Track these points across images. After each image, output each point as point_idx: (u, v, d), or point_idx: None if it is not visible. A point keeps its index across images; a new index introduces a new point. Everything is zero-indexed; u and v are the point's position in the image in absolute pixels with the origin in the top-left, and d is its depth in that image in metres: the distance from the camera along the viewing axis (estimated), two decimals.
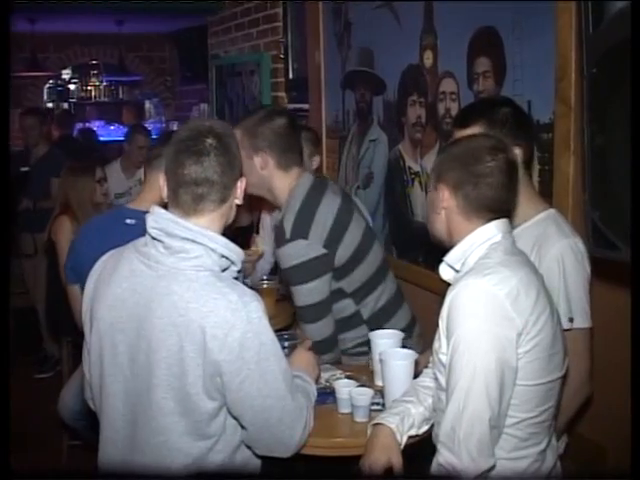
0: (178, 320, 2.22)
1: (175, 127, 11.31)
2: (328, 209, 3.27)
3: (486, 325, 2.22)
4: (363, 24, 4.71)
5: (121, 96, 12.66)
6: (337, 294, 3.35)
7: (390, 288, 3.49)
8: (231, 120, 7.13)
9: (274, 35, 6.24)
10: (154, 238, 2.31)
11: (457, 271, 2.44)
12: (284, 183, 3.32)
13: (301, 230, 3.18)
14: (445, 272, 2.50)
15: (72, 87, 12.62)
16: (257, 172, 3.25)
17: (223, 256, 2.32)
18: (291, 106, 6.04)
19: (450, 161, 2.42)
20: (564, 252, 2.68)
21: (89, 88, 12.59)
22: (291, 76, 6.07)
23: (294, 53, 6.02)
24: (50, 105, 12.34)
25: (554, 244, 2.69)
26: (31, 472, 5.16)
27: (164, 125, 12.06)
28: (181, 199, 2.32)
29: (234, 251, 2.36)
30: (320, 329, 3.28)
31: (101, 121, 12.15)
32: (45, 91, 12.28)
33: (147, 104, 12.73)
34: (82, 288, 2.78)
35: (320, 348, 3.20)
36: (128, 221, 3.50)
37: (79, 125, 11.33)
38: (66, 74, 12.56)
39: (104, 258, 2.54)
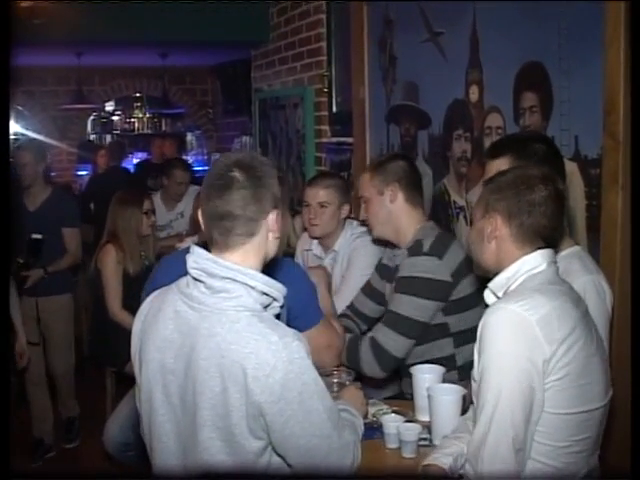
0: (221, 361, 2.22)
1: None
2: (459, 248, 3.44)
3: (513, 348, 2.26)
4: (408, 58, 4.74)
5: (164, 128, 12.76)
6: (441, 330, 3.44)
7: None
8: (274, 153, 7.19)
9: (318, 69, 6.27)
10: (195, 279, 2.32)
11: (499, 298, 2.47)
12: (411, 221, 3.55)
13: (438, 250, 3.39)
14: (489, 298, 2.54)
15: (115, 119, 12.73)
16: (386, 207, 3.54)
17: (264, 293, 2.32)
18: (334, 139, 6.07)
19: (502, 190, 2.46)
20: (587, 288, 2.71)
21: (132, 120, 12.72)
22: (334, 110, 6.09)
23: (338, 87, 6.05)
24: (92, 137, 12.51)
25: (577, 279, 2.69)
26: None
27: (206, 157, 12.17)
28: (213, 234, 2.33)
29: (275, 287, 2.35)
30: (400, 343, 3.36)
31: (144, 153, 12.25)
32: (89, 123, 12.45)
33: (189, 136, 12.86)
34: None
35: (383, 360, 3.33)
36: None
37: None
38: (110, 106, 12.71)
39: (149, 299, 2.56)
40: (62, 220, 5.90)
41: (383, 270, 3.82)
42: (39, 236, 5.70)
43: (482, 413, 2.29)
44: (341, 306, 3.95)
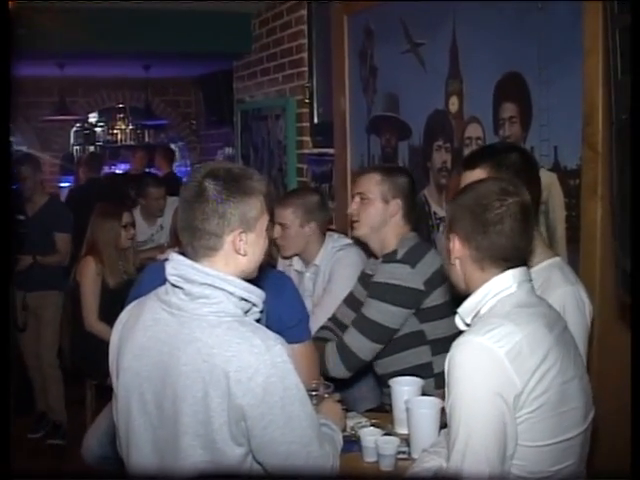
0: (202, 366, 2.20)
1: None
2: (434, 258, 3.47)
3: (482, 384, 2.17)
4: (389, 69, 4.73)
5: (147, 140, 12.70)
6: (417, 337, 3.46)
7: None
8: (256, 164, 7.17)
9: (300, 80, 6.26)
10: (174, 285, 2.31)
11: (468, 324, 2.40)
12: (398, 235, 3.58)
13: (411, 259, 3.43)
14: (460, 324, 2.46)
15: (98, 130, 12.69)
16: (385, 216, 3.58)
17: (243, 299, 2.31)
18: (315, 151, 6.06)
19: (459, 210, 2.37)
20: (566, 298, 2.69)
21: (115, 132, 12.66)
22: (316, 120, 6.07)
23: (319, 97, 6.03)
24: (76, 149, 12.43)
25: (556, 289, 2.69)
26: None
27: (189, 169, 12.12)
28: (183, 243, 2.35)
29: (254, 293, 2.34)
30: (366, 346, 3.42)
31: (127, 165, 12.18)
32: (72, 135, 12.39)
33: (172, 148, 12.80)
34: None
35: (347, 361, 3.41)
36: None
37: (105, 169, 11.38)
38: (92, 118, 12.66)
39: (128, 308, 2.55)
40: (55, 225, 6.35)
41: (365, 279, 3.80)
42: (22, 217, 6.26)
43: (454, 449, 2.20)
44: (323, 318, 3.92)
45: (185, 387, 2.23)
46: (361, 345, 3.41)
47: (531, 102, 3.50)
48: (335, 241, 4.37)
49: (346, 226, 5.15)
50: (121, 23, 6.97)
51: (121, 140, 12.69)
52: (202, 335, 2.23)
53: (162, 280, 2.41)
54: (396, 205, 3.57)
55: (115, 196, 8.86)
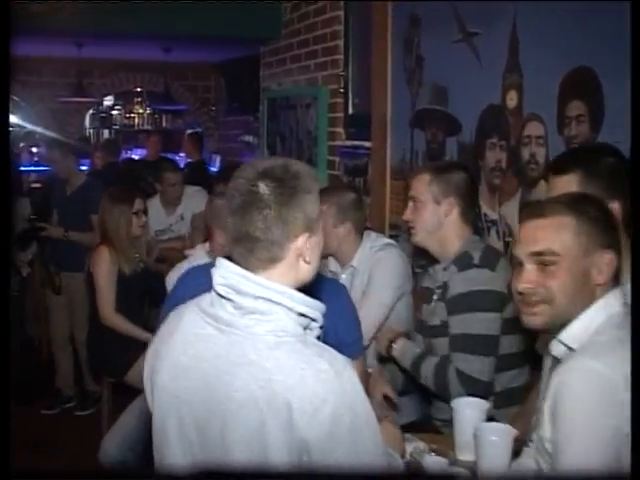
0: (259, 394, 1.90)
1: (217, 160, 11.13)
2: (507, 263, 3.22)
3: (598, 416, 1.96)
4: (437, 59, 4.44)
5: (164, 125, 12.43)
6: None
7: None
8: (283, 155, 6.88)
9: (333, 68, 5.98)
10: (221, 296, 2.02)
11: (571, 348, 2.17)
12: (459, 237, 3.32)
13: (488, 262, 3.20)
14: (557, 348, 2.23)
15: (115, 114, 12.42)
16: (439, 218, 3.31)
17: (302, 314, 2.01)
18: (349, 143, 5.78)
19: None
20: None
21: (132, 115, 12.39)
22: (351, 111, 5.80)
23: (355, 87, 5.76)
24: (91, 132, 12.18)
25: None
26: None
27: (210, 156, 11.87)
28: (234, 253, 2.05)
29: (314, 307, 2.04)
30: (482, 365, 3.11)
31: (143, 150, 11.91)
32: (87, 118, 12.13)
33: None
34: None
35: (472, 389, 3.05)
36: None
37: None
38: (108, 101, 12.38)
39: (168, 318, 2.25)
40: (90, 207, 6.12)
41: (423, 292, 3.54)
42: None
43: None
44: (365, 323, 3.63)
45: (237, 416, 1.94)
46: (480, 366, 3.10)
47: (603, 100, 3.21)
48: (373, 241, 4.08)
49: (383, 224, 4.90)
50: (143, 3, 6.67)
51: (138, 124, 12.42)
52: (259, 358, 1.94)
53: (199, 288, 2.18)
54: (449, 204, 3.30)
55: (133, 182, 8.67)
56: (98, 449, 4.68)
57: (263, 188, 1.96)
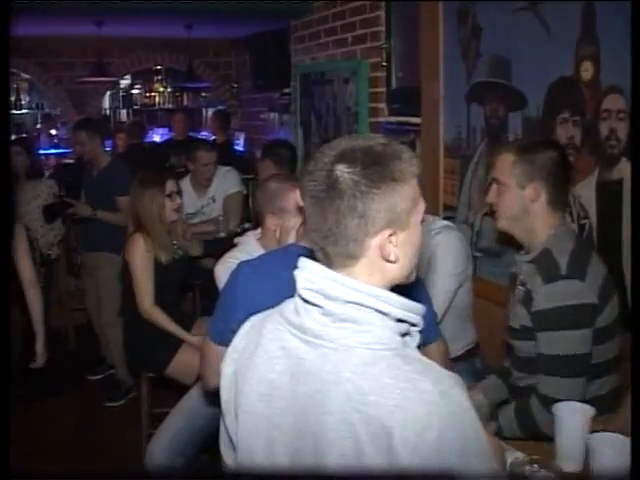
0: (354, 417, 1.64)
1: (242, 138, 10.87)
2: (597, 258, 2.94)
3: None
4: (497, 29, 4.14)
5: (185, 103, 12.13)
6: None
7: None
8: (318, 133, 6.61)
9: (374, 41, 5.69)
10: (307, 301, 1.76)
11: None
12: (547, 226, 2.97)
13: (577, 269, 2.84)
14: None
15: (135, 93, 12.12)
16: (523, 204, 2.97)
17: (400, 319, 1.75)
18: (393, 119, 5.50)
19: None
20: None
21: (153, 94, 12.09)
22: (394, 86, 5.51)
23: (398, 61, 5.47)
24: (107, 112, 11.91)
25: None
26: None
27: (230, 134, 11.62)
28: (314, 248, 1.80)
29: (414, 310, 1.77)
30: (574, 388, 2.82)
31: (164, 129, 11.65)
32: (107, 97, 11.86)
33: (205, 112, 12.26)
34: None
35: None
36: None
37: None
38: (126, 80, 12.08)
39: (245, 330, 2.00)
40: (116, 188, 6.17)
41: (510, 279, 3.26)
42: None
43: None
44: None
45: (331, 441, 1.67)
46: (568, 390, 2.79)
47: None
48: (430, 223, 3.82)
49: (436, 205, 4.64)
50: None
51: (159, 104, 12.12)
52: (353, 375, 1.67)
53: (262, 283, 2.15)
54: (534, 190, 2.94)
55: (160, 163, 8.45)
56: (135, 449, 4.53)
57: (338, 175, 1.68)
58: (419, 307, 1.79)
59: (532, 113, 3.90)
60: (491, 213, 3.20)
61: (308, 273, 1.78)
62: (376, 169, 1.69)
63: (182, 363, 4.74)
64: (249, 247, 3.76)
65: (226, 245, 4.27)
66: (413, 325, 1.79)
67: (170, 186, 4.93)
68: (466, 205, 4.47)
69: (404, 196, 1.72)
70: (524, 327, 2.98)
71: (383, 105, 5.64)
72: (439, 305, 3.55)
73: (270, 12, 7.22)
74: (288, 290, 2.32)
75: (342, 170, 1.68)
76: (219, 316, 2.87)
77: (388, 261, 1.76)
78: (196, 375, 4.49)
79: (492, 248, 4.23)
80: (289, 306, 1.85)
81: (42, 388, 6.07)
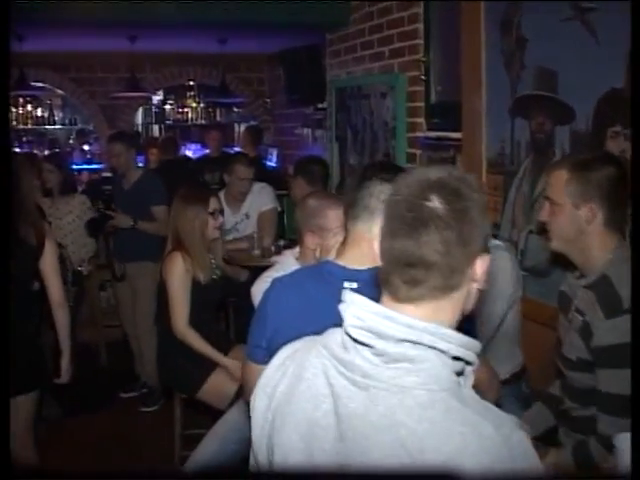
0: (408, 463, 1.50)
1: (274, 153, 10.78)
2: None
3: None
4: (543, 40, 3.99)
5: (218, 119, 12.05)
6: None
7: None
8: (354, 148, 6.49)
9: (412, 54, 5.57)
10: (357, 341, 1.62)
11: None
12: (604, 247, 2.79)
13: None
14: None
15: (168, 108, 12.06)
16: (579, 225, 2.79)
17: (456, 357, 1.61)
18: (432, 134, 5.36)
19: None
20: None
21: (185, 110, 12.02)
22: (433, 100, 5.38)
23: (437, 74, 5.34)
24: (139, 128, 11.85)
25: None
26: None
27: (262, 150, 11.53)
28: (391, 280, 1.65)
29: (471, 346, 1.64)
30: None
31: (197, 145, 11.58)
32: (140, 113, 11.81)
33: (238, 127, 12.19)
34: None
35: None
36: (347, 284, 2.55)
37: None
38: (159, 95, 12.03)
39: (280, 359, 1.85)
40: (151, 199, 6.33)
41: (561, 299, 3.10)
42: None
43: None
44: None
45: None
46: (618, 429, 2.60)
47: None
48: None
49: None
50: None
51: (191, 119, 12.05)
52: (407, 419, 1.53)
53: (294, 304, 2.17)
54: (590, 210, 2.76)
55: (195, 179, 8.40)
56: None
57: (437, 203, 1.59)
58: (477, 344, 1.66)
59: (581, 127, 3.74)
60: (540, 231, 3.05)
61: (356, 309, 1.64)
62: (470, 195, 1.63)
63: (215, 387, 4.64)
64: (287, 266, 3.63)
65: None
66: (468, 363, 1.65)
67: (213, 204, 4.84)
68: (510, 222, 4.31)
69: (486, 219, 1.68)
70: (581, 359, 2.81)
71: (422, 120, 5.51)
72: (487, 329, 3.40)
73: (306, 25, 7.11)
74: (319, 308, 2.23)
75: (441, 199, 1.60)
76: (252, 333, 2.78)
77: (476, 289, 1.68)
78: (229, 399, 4.39)
79: (538, 267, 4.07)
80: (335, 338, 1.71)
81: (74, 406, 6.00)
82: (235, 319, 6.67)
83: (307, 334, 1.90)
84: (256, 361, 2.68)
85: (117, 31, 8.19)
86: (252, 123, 11.43)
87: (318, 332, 1.86)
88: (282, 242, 6.49)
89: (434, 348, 1.57)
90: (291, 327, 2.42)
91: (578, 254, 2.86)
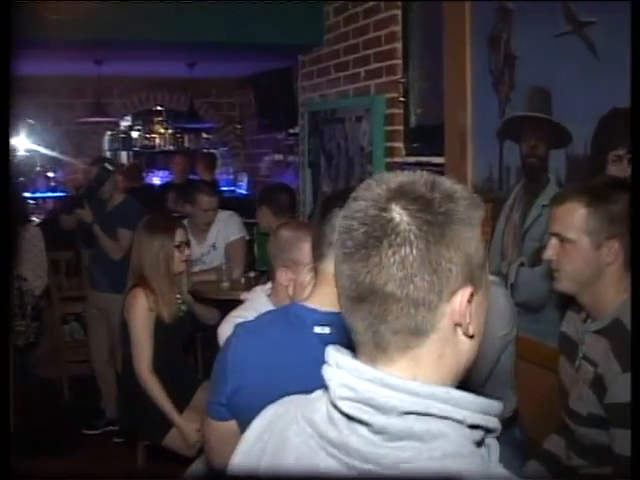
0: None
1: (244, 180, 10.56)
2: None
3: None
4: (535, 57, 3.68)
5: (187, 145, 11.71)
6: None
7: None
8: (328, 175, 6.17)
9: (390, 75, 5.26)
10: (349, 416, 1.26)
11: None
12: (619, 289, 2.44)
13: None
14: None
15: (135, 135, 11.70)
16: (597, 267, 2.44)
17: (476, 425, 1.26)
18: (412, 159, 5.05)
19: None
20: None
21: (153, 136, 11.66)
22: (413, 124, 5.07)
23: (417, 96, 5.04)
24: (106, 154, 11.49)
25: None
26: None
27: (232, 177, 11.22)
28: (353, 321, 1.29)
29: (492, 411, 1.29)
30: None
31: (165, 172, 11.24)
32: (106, 139, 11.45)
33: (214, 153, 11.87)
34: (243, 424, 2.03)
35: None
36: (319, 330, 2.23)
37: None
38: (126, 121, 11.68)
39: (254, 433, 1.49)
40: (122, 221, 6.08)
41: (564, 343, 2.78)
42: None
43: None
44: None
45: None
46: None
47: None
48: None
49: None
50: (168, 12, 5.99)
51: (159, 145, 11.70)
52: None
53: (260, 353, 2.04)
54: (612, 249, 2.43)
55: (161, 208, 8.10)
56: None
57: (400, 214, 1.22)
58: (498, 406, 1.31)
59: (578, 150, 3.43)
60: (533, 264, 2.70)
61: (346, 376, 1.27)
62: (448, 207, 1.24)
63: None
64: (258, 304, 3.29)
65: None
66: (489, 431, 1.30)
67: (180, 235, 4.50)
68: (499, 254, 3.98)
69: (478, 244, 1.28)
70: (593, 415, 2.48)
71: (400, 144, 5.20)
72: (478, 376, 3.08)
73: (278, 47, 6.79)
74: (287, 358, 2.07)
75: (404, 210, 1.22)
76: (212, 387, 2.44)
77: (465, 335, 1.31)
78: (198, 446, 4.06)
79: (530, 302, 3.75)
80: (318, 410, 1.34)
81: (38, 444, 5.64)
82: (203, 353, 6.32)
83: (274, 391, 1.60)
84: (216, 419, 2.37)
85: (83, 54, 7.87)
86: (221, 149, 11.20)
87: (288, 389, 1.54)
88: (252, 274, 6.19)
89: (447, 418, 1.23)
90: (255, 382, 2.17)
91: (589, 296, 2.52)
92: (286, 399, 1.52)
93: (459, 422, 1.23)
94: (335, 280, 1.31)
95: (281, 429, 1.41)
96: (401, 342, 1.25)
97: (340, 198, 2.34)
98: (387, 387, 1.23)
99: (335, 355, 1.31)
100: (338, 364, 1.29)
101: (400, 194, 1.23)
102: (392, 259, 1.20)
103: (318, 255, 2.31)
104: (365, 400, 1.23)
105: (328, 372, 1.30)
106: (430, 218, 1.21)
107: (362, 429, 1.25)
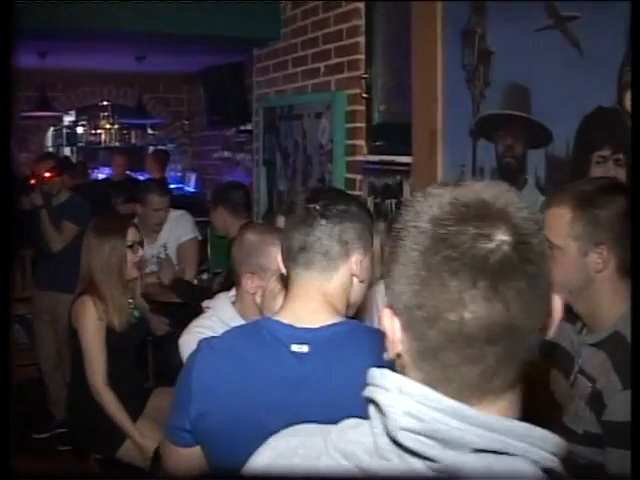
0: None
1: (193, 178, 10.33)
2: None
3: None
4: (512, 53, 3.51)
5: (133, 141, 11.40)
6: None
7: None
8: (285, 173, 5.96)
9: (352, 70, 5.06)
10: (408, 449, 1.07)
11: None
12: (616, 297, 2.28)
13: None
14: None
15: (80, 130, 11.36)
16: (587, 275, 2.30)
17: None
18: (375, 158, 4.85)
19: None
20: None
21: (99, 132, 11.33)
22: (376, 121, 4.88)
23: (381, 92, 4.85)
24: (50, 150, 11.14)
25: None
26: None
27: (180, 174, 10.95)
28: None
29: (561, 452, 1.12)
30: None
31: (109, 168, 10.93)
32: (50, 134, 11.10)
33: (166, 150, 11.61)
34: (210, 450, 2.02)
35: None
36: (295, 348, 1.97)
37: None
38: (70, 116, 11.34)
39: (263, 459, 1.30)
40: (66, 215, 5.93)
41: (557, 355, 2.60)
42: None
43: None
44: None
45: None
46: None
47: None
48: None
49: None
50: (114, 1, 5.74)
51: (105, 141, 11.35)
52: None
53: (227, 370, 1.92)
54: (600, 256, 2.27)
55: (106, 206, 7.83)
56: None
57: None
58: (564, 445, 1.14)
59: (559, 150, 3.27)
60: None
61: (412, 403, 1.09)
62: None
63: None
64: (222, 313, 3.06)
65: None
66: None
67: (132, 235, 4.23)
68: None
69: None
70: (589, 434, 2.31)
71: (362, 142, 5.00)
72: None
73: (232, 40, 6.55)
74: (259, 380, 1.90)
75: None
76: (173, 409, 2.18)
77: None
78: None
79: None
80: (356, 439, 1.16)
81: None
82: (154, 357, 6.06)
83: (244, 417, 1.62)
84: (178, 445, 2.13)
85: (26, 45, 7.53)
86: (168, 146, 10.93)
87: (259, 415, 1.56)
88: (205, 275, 5.97)
89: (523, 457, 1.07)
90: (223, 407, 1.95)
91: (584, 306, 2.35)
92: (295, 429, 1.33)
93: (535, 462, 1.08)
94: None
95: (304, 463, 1.23)
96: (505, 379, 1.14)
97: (318, 198, 2.13)
98: (459, 418, 1.06)
99: (395, 378, 1.13)
100: (402, 390, 1.11)
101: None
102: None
103: (302, 262, 2.06)
104: (433, 433, 1.06)
105: (387, 398, 1.11)
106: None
107: (420, 465, 1.08)
